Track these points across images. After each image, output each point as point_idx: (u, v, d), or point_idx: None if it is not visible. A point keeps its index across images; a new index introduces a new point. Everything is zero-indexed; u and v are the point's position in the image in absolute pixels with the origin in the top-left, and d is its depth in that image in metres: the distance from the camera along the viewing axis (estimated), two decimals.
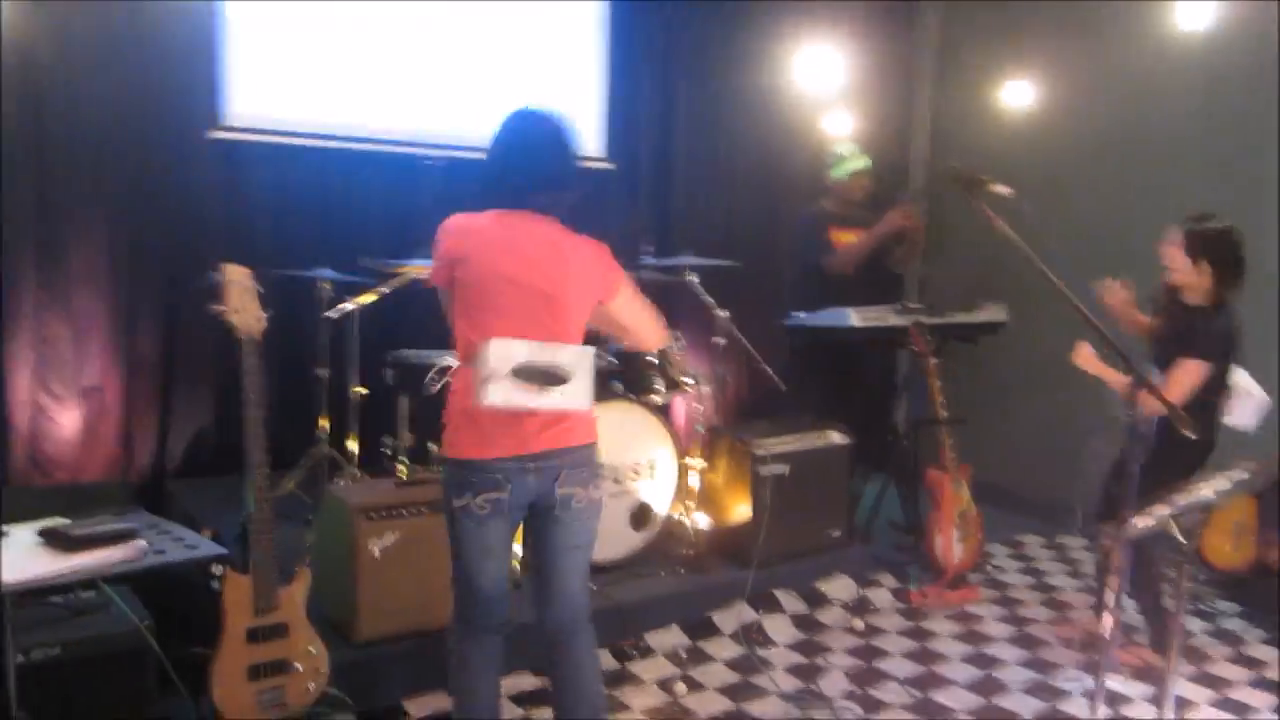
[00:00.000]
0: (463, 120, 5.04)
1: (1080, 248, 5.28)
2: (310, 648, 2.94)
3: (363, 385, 4.44)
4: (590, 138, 5.40)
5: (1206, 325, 3.65)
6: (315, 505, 4.14)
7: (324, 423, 4.46)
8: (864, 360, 5.24)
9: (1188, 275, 3.70)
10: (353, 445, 4.45)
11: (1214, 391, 3.69)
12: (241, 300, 2.85)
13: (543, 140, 2.69)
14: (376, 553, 3.35)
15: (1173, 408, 2.85)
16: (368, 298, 4.29)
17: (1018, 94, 5.97)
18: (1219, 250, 3.67)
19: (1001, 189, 2.85)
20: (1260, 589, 4.60)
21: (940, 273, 5.03)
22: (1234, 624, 4.55)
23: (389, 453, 4.40)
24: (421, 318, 4.92)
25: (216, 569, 2.98)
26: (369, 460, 4.48)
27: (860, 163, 5.17)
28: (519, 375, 2.51)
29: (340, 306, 4.29)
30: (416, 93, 4.96)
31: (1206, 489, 2.72)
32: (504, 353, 2.50)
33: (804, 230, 5.32)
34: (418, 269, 4.20)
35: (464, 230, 2.64)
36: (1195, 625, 4.44)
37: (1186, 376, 3.58)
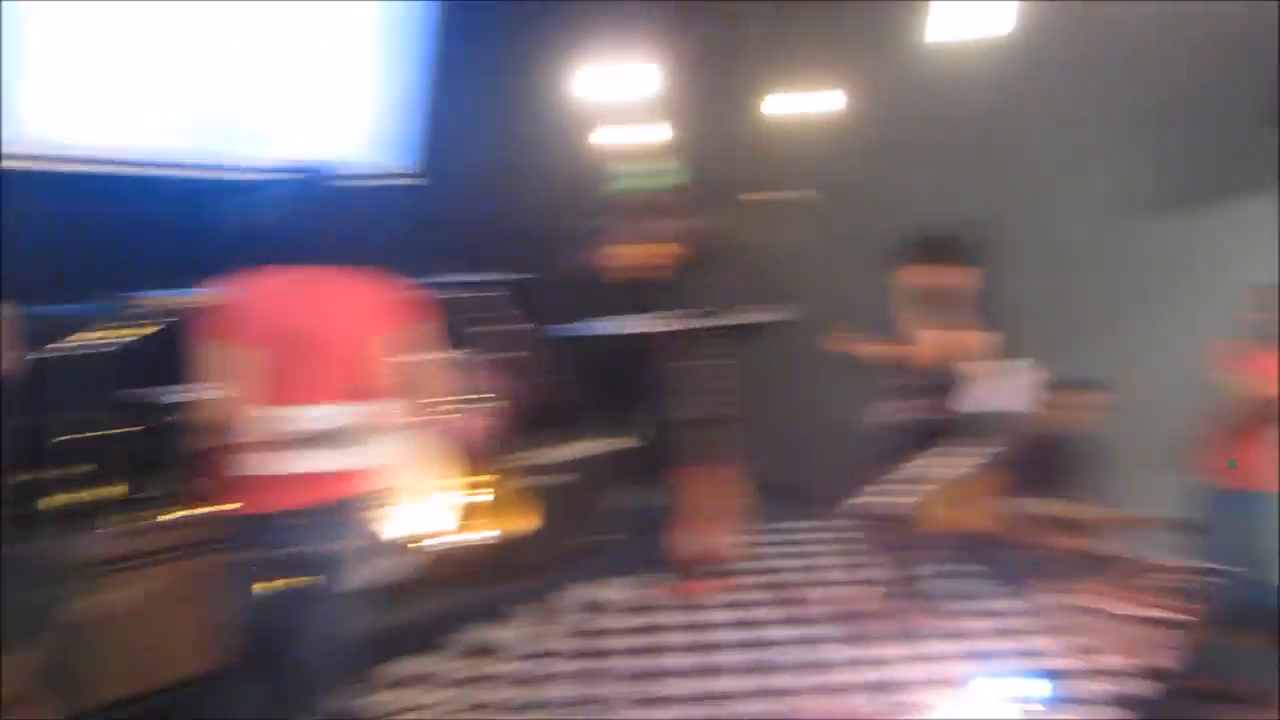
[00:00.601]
0: (255, 138, 4.87)
1: (851, 246, 5.57)
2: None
3: (111, 426, 4.21)
4: (405, 155, 5.34)
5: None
6: (49, 560, 3.90)
7: (64, 469, 4.19)
8: (642, 366, 5.37)
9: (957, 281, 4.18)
10: (95, 492, 4.20)
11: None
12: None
13: (322, 197, 2.76)
14: (116, 607, 3.22)
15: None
16: (119, 334, 4.09)
17: (797, 105, 6.16)
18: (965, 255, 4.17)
19: (784, 197, 3.00)
20: (997, 549, 5.01)
21: (713, 277, 5.18)
22: (977, 584, 4.94)
23: (134, 498, 4.18)
24: (176, 356, 4.73)
25: None
26: (117, 508, 4.25)
27: (651, 180, 5.43)
28: (312, 435, 2.52)
29: (78, 341, 4.07)
30: (204, 114, 4.71)
31: (948, 467, 2.99)
32: (296, 411, 2.51)
33: (584, 243, 5.45)
34: (180, 300, 4.03)
35: (263, 290, 2.62)
36: (943, 587, 4.80)
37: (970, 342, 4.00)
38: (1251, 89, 4.81)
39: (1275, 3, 4.67)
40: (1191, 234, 5.22)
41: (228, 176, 4.77)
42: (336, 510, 2.66)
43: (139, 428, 4.17)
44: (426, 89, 5.39)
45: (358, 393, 2.65)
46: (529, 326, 4.79)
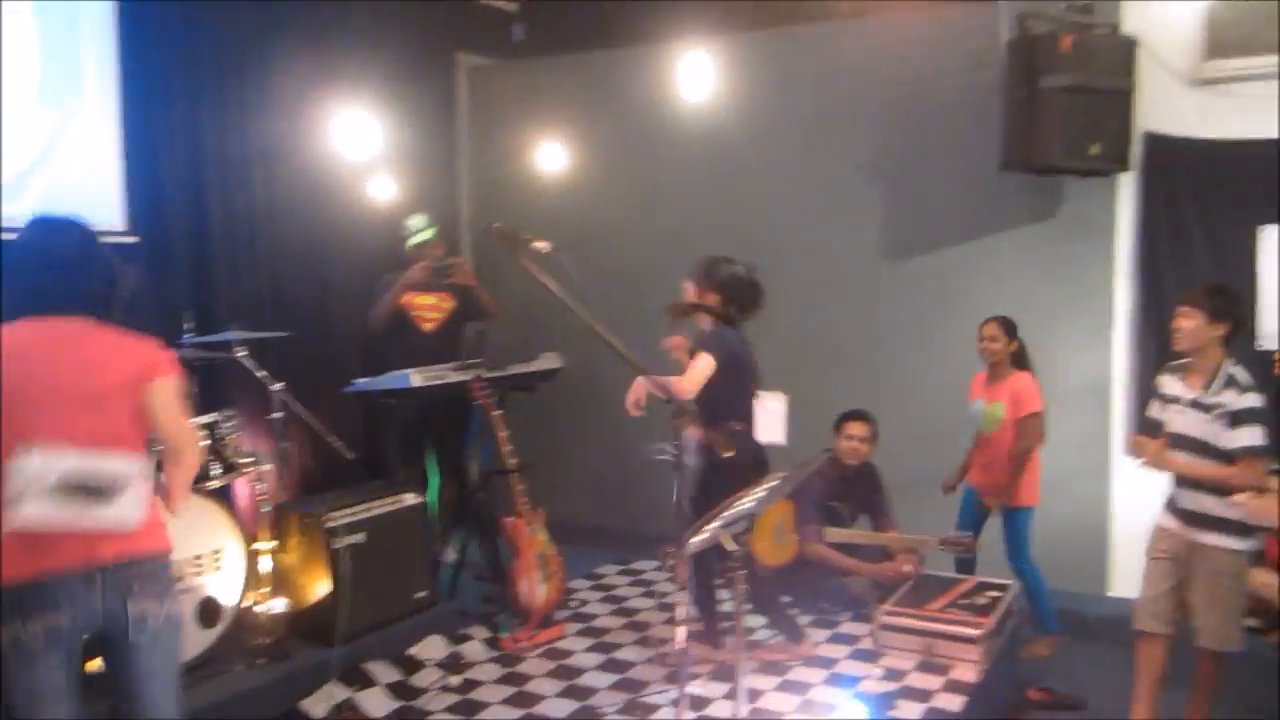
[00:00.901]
0: None
1: (613, 289, 5.72)
2: None
3: None
4: (109, 209, 4.90)
5: (714, 335, 4.21)
6: None
7: None
8: (433, 419, 5.23)
9: (696, 298, 4.31)
10: None
11: (736, 411, 4.15)
12: None
13: (67, 251, 2.58)
14: None
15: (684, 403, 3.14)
16: None
17: (547, 154, 6.34)
18: (720, 280, 4.33)
19: (541, 244, 3.03)
20: (805, 579, 5.16)
21: (494, 327, 5.17)
22: (783, 615, 5.06)
23: None
24: None
25: None
26: None
27: (428, 233, 5.37)
28: (61, 490, 2.26)
29: None
30: None
31: (748, 500, 3.03)
32: (43, 464, 2.24)
33: (375, 295, 5.40)
34: None
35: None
36: (754, 621, 4.87)
37: (699, 367, 4.03)
38: (978, 139, 5.29)
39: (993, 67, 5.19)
40: (935, 273, 5.67)
41: None
42: (106, 573, 2.41)
43: None
44: (135, 144, 5.00)
45: (107, 444, 2.44)
46: (280, 385, 4.51)
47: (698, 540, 2.90)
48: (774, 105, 5.99)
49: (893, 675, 4.28)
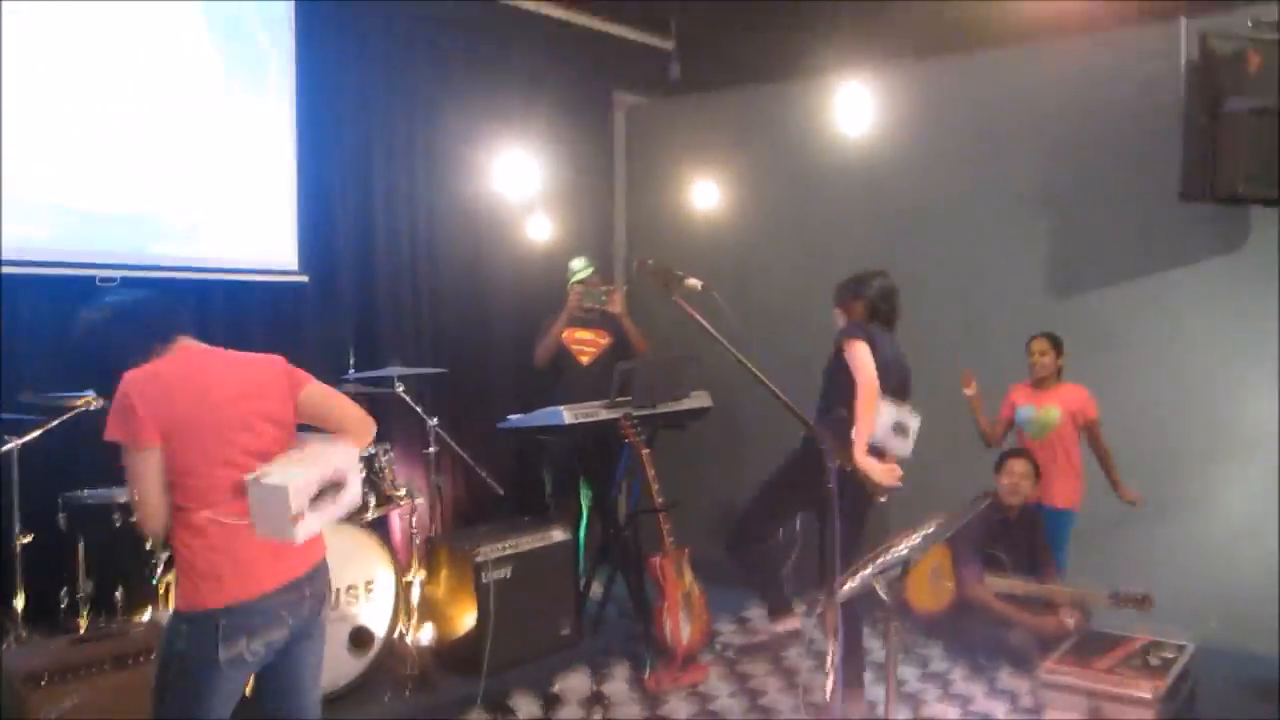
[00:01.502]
0: (139, 234, 4.69)
1: (768, 326, 5.65)
2: None
3: (28, 533, 3.96)
4: (284, 249, 5.17)
5: (853, 323, 4.17)
6: None
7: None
8: (584, 456, 5.27)
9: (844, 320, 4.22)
10: (19, 602, 3.93)
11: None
12: None
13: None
14: None
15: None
16: (30, 435, 3.86)
17: (703, 191, 6.34)
18: (858, 291, 4.24)
19: (694, 282, 2.98)
20: (961, 627, 4.93)
21: (644, 366, 5.17)
22: (940, 665, 4.86)
23: (66, 605, 3.94)
24: (93, 454, 4.49)
25: None
26: (40, 617, 3.99)
27: (588, 273, 5.55)
28: (317, 499, 2.40)
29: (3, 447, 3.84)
30: (83, 205, 4.51)
31: (903, 546, 2.89)
32: (299, 484, 2.36)
33: (539, 333, 5.60)
34: (86, 400, 3.84)
35: (158, 385, 2.45)
36: (907, 672, 4.69)
37: (860, 358, 3.94)
38: (1155, 168, 5.00)
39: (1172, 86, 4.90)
40: (1104, 310, 5.36)
41: (114, 272, 4.60)
42: (310, 581, 2.56)
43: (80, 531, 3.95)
44: (308, 186, 5.26)
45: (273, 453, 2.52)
46: (436, 420, 4.67)
47: (850, 586, 2.79)
48: (934, 136, 5.82)
49: None
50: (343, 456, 2.51)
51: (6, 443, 3.84)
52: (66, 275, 4.49)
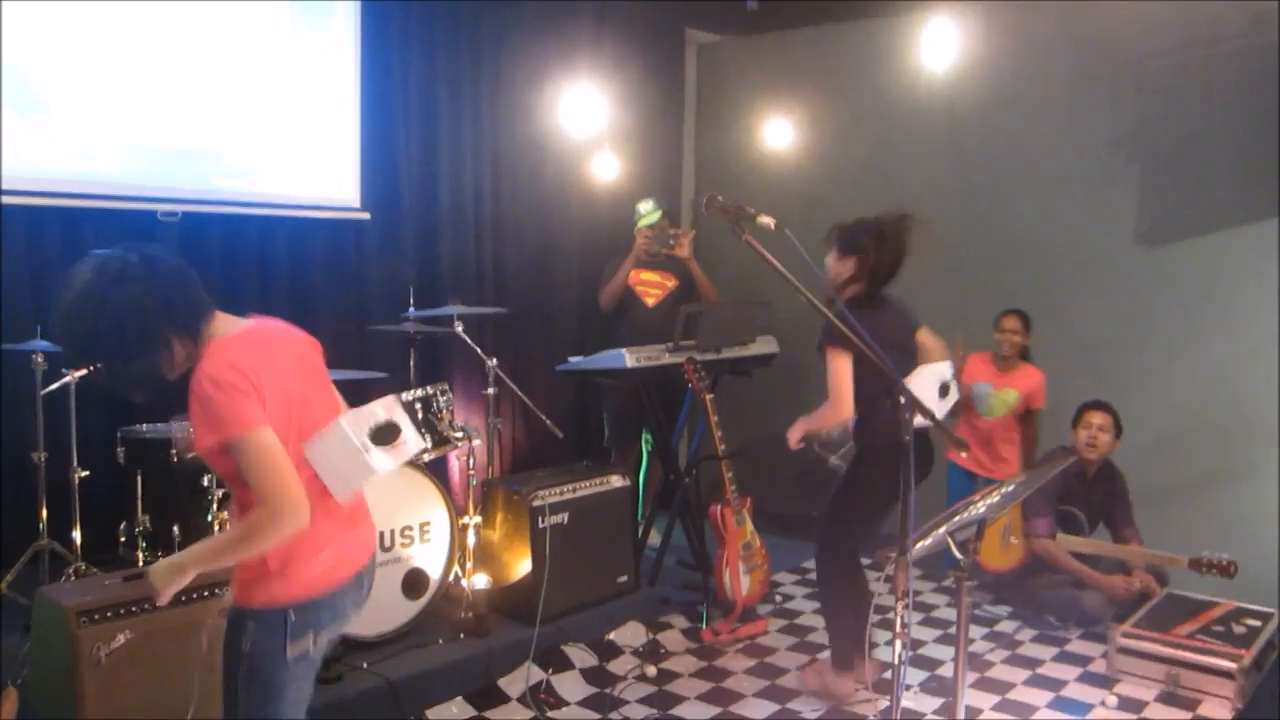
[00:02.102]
0: (201, 170, 4.65)
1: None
2: None
3: (86, 467, 3.97)
4: (346, 186, 5.10)
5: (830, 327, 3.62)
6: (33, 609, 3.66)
7: (43, 513, 3.95)
8: (646, 401, 5.16)
9: (838, 270, 3.77)
10: (78, 535, 3.97)
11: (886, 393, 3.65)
12: None
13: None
14: (103, 659, 2.95)
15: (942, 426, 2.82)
16: (85, 370, 3.86)
17: (776, 131, 6.14)
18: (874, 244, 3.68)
19: (766, 219, 2.78)
20: (1031, 588, 4.76)
21: (709, 309, 5.02)
22: (1006, 625, 4.70)
23: (125, 539, 3.96)
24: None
25: None
26: (101, 549, 4.02)
27: (656, 216, 5.41)
28: (374, 439, 2.24)
29: (59, 382, 3.85)
30: (146, 141, 4.49)
31: (981, 504, 2.74)
32: (357, 422, 2.22)
33: (605, 275, 5.49)
34: None
35: (252, 359, 2.11)
36: (973, 631, 4.54)
37: (836, 373, 3.57)
38: (1257, 112, 4.69)
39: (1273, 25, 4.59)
40: (1194, 261, 5.07)
41: (175, 207, 4.56)
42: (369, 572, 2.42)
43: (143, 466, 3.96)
44: (371, 124, 5.17)
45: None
46: (495, 361, 4.59)
47: (923, 545, 2.65)
48: (1022, 76, 5.51)
49: (1129, 706, 3.87)
50: (378, 407, 2.30)
51: (64, 376, 3.85)
52: (129, 209, 4.47)
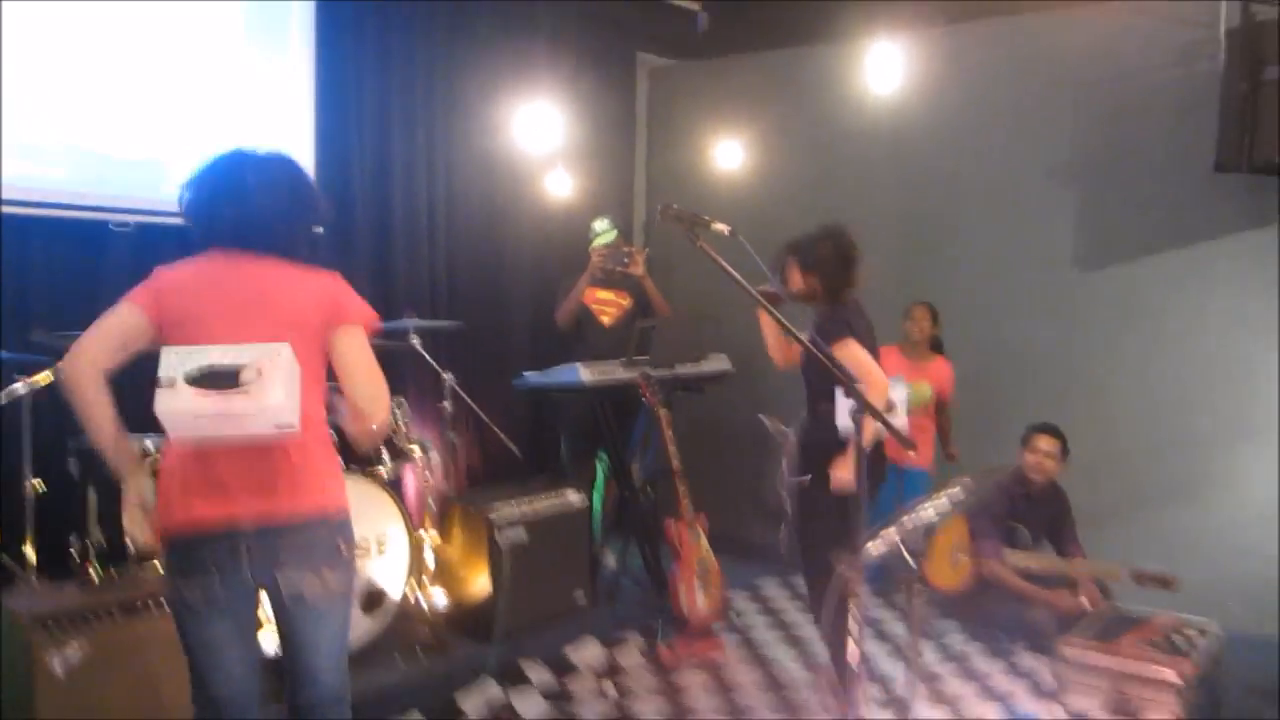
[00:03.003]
0: (155, 180, 4.59)
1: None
2: None
3: (39, 478, 3.89)
4: None
5: (838, 316, 3.71)
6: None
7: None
8: (601, 419, 5.18)
9: (800, 288, 3.84)
10: (29, 550, 3.87)
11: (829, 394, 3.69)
12: None
13: (256, 184, 2.43)
14: (59, 669, 2.90)
15: (894, 430, 2.88)
16: (43, 377, 3.78)
17: (726, 153, 6.23)
18: (813, 255, 3.81)
19: (720, 226, 2.86)
20: (979, 605, 4.87)
21: (663, 326, 5.08)
22: (954, 640, 4.80)
23: (77, 555, 3.88)
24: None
25: None
26: (51, 566, 3.93)
27: (611, 235, 5.45)
28: (195, 381, 2.16)
29: (9, 389, 3.76)
30: (97, 149, 4.42)
31: (928, 510, 2.81)
32: (176, 358, 2.19)
33: (560, 294, 5.51)
34: None
35: (171, 282, 2.38)
36: (922, 647, 4.62)
37: (858, 355, 3.59)
38: (1190, 138, 4.88)
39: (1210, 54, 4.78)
40: (1129, 283, 5.26)
41: (128, 218, 4.51)
42: (249, 540, 2.31)
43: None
44: (325, 137, 5.14)
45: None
46: (451, 376, 4.63)
47: (875, 550, 2.71)
48: (964, 102, 5.67)
49: (1075, 717, 3.97)
50: (257, 353, 2.23)
51: (15, 382, 3.77)
52: (80, 219, 4.40)
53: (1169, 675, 3.93)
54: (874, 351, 3.76)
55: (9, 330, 4.12)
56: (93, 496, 3.86)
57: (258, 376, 2.18)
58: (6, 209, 4.19)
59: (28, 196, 4.24)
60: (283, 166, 2.53)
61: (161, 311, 2.34)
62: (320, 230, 4.88)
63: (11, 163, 4.17)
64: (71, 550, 3.91)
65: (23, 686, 2.88)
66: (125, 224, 4.52)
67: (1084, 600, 4.64)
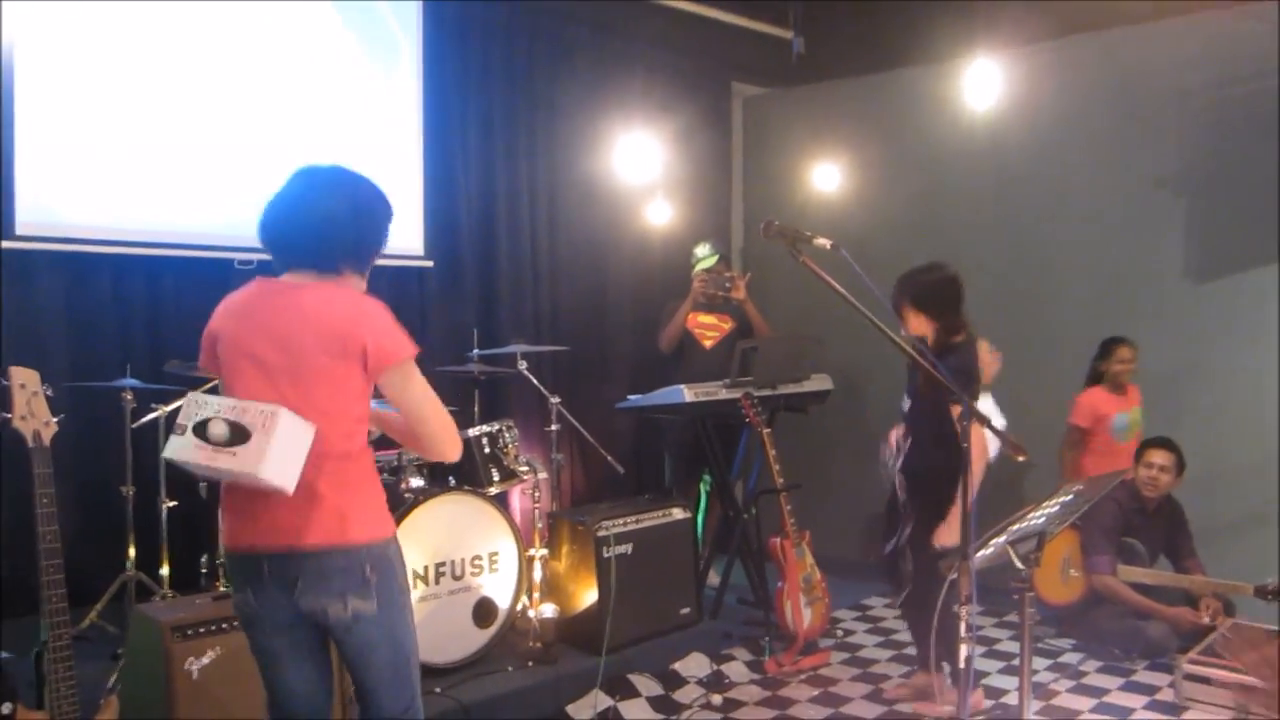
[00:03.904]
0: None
1: (888, 321, 5.54)
2: None
3: (172, 500, 4.13)
4: (409, 234, 5.29)
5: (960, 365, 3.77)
6: (123, 637, 3.78)
7: (131, 546, 4.10)
8: (704, 439, 5.24)
9: (916, 327, 3.92)
10: (164, 569, 4.11)
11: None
12: (28, 405, 2.62)
13: (308, 200, 2.39)
14: (194, 674, 3.07)
15: (1004, 436, 2.90)
16: (175, 405, 4.04)
17: (822, 179, 6.27)
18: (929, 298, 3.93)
19: (822, 241, 2.90)
20: (1091, 620, 4.76)
21: (765, 346, 5.13)
22: (1070, 657, 4.70)
23: (206, 571, 4.10)
24: None
25: (5, 708, 2.67)
26: (184, 583, 4.16)
27: (713, 259, 5.53)
28: (199, 431, 2.25)
29: (149, 416, 4.03)
30: (226, 191, 4.69)
31: (1039, 515, 2.79)
32: (192, 407, 2.29)
33: (663, 319, 5.63)
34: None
35: (223, 307, 2.44)
36: (1037, 663, 4.54)
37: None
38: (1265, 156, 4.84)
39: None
40: (1243, 294, 5.13)
41: (252, 256, 4.76)
42: (269, 562, 2.33)
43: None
44: (433, 171, 5.38)
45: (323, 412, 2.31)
46: (557, 399, 4.73)
47: (984, 554, 2.70)
48: (1064, 116, 5.62)
49: None
50: (257, 414, 2.24)
51: (154, 411, 4.03)
52: (207, 258, 4.69)
53: None
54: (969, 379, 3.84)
55: (145, 362, 4.41)
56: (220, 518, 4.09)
57: (246, 440, 2.22)
58: (142, 250, 4.51)
59: (161, 238, 4.55)
60: (339, 184, 2.45)
61: (210, 358, 2.44)
62: (430, 264, 5.25)
63: (150, 208, 4.49)
64: (202, 569, 4.14)
65: (161, 688, 3.06)
66: (249, 262, 4.78)
67: (1205, 616, 4.50)
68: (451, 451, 2.48)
